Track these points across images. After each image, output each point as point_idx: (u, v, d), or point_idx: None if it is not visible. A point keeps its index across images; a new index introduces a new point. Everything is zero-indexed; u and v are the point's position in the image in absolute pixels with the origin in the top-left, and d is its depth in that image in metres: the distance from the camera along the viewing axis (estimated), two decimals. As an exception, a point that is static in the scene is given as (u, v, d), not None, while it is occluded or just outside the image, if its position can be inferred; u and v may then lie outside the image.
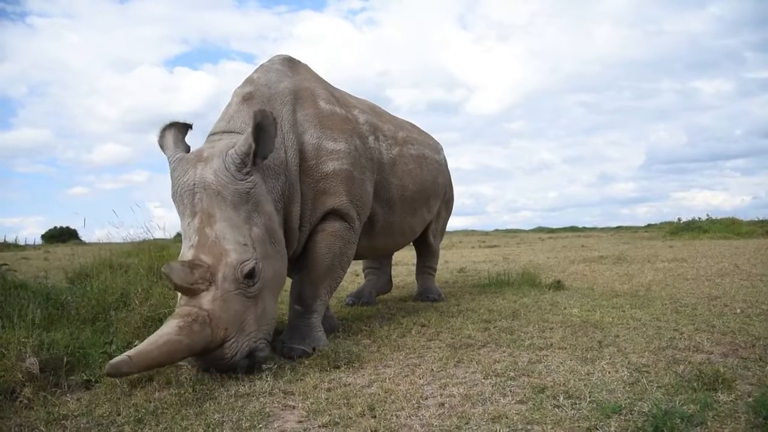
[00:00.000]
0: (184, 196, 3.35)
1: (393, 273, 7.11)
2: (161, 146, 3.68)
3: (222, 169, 3.32)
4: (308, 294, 3.98)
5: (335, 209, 4.06)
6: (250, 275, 3.21)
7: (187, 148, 3.70)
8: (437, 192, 5.72)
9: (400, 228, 5.10)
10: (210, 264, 3.12)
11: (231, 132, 3.72)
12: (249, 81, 4.14)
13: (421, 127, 6.25)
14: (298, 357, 3.64)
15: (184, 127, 3.79)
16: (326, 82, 4.74)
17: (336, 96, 4.57)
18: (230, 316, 3.11)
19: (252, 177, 3.40)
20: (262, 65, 4.38)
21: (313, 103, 4.21)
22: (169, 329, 2.93)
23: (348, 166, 4.13)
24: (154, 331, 3.91)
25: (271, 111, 3.73)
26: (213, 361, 3.15)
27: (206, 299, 3.06)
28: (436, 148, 6.04)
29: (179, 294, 3.18)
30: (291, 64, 4.50)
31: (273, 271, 3.45)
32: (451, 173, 6.46)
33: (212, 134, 3.80)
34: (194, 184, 3.32)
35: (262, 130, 3.37)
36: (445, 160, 6.24)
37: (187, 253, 3.21)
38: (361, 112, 4.69)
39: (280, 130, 3.78)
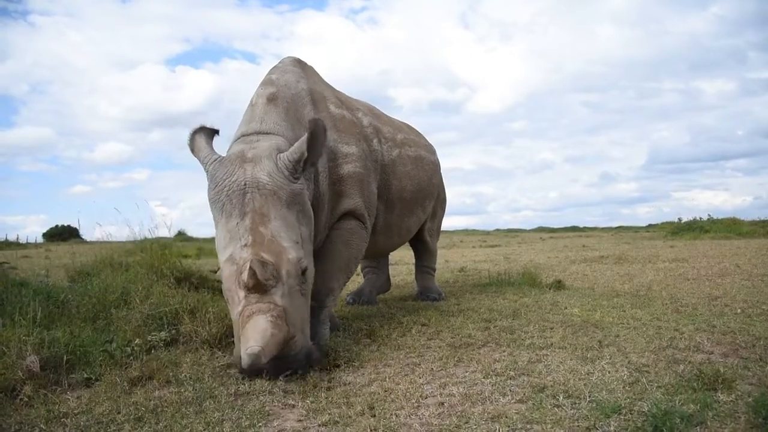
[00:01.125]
0: (233, 196, 3.30)
1: (393, 272, 7.12)
2: (192, 149, 3.65)
3: (276, 170, 3.36)
4: (322, 290, 4.00)
5: (351, 210, 4.21)
6: (305, 271, 3.29)
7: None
8: (432, 192, 5.84)
9: (398, 228, 5.20)
10: (273, 261, 3.13)
11: (267, 133, 3.72)
12: (269, 82, 4.15)
13: (423, 127, 6.32)
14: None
15: (211, 132, 3.78)
16: (329, 84, 4.83)
17: (341, 99, 4.67)
18: (297, 312, 3.19)
19: (302, 180, 3.50)
20: (276, 67, 4.45)
21: (326, 106, 4.33)
22: (265, 324, 2.95)
23: (360, 169, 4.28)
24: (155, 329, 3.95)
25: (296, 111, 3.92)
26: (278, 360, 3.07)
27: (278, 295, 3.09)
28: (431, 149, 6.20)
29: (239, 293, 3.10)
30: (301, 66, 4.57)
31: (312, 269, 3.52)
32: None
33: (246, 135, 3.74)
34: (245, 184, 3.30)
35: (314, 138, 3.43)
36: (438, 161, 6.35)
37: (241, 252, 3.15)
38: (364, 115, 4.79)
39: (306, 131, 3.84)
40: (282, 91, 4.05)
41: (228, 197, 3.32)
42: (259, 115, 3.85)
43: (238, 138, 3.76)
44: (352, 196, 4.19)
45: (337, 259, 4.15)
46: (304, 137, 3.44)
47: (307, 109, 4.12)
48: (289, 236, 3.27)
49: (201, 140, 3.66)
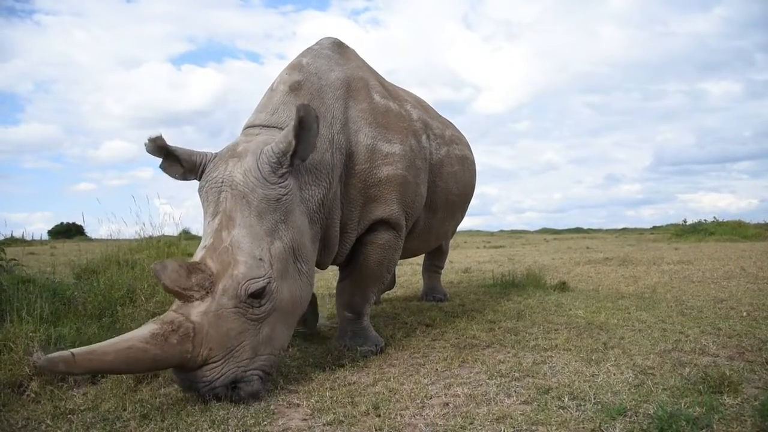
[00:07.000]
0: (210, 193, 3.02)
1: (398, 272, 7.12)
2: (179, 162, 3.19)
3: (254, 168, 2.96)
4: (358, 302, 3.89)
5: (384, 219, 3.77)
6: (258, 295, 2.79)
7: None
8: (472, 194, 5.56)
9: (437, 231, 4.83)
10: (214, 272, 2.76)
11: (274, 127, 3.35)
12: (297, 67, 3.70)
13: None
14: (364, 357, 3.64)
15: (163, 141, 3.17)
16: (375, 70, 4.32)
17: (388, 89, 4.20)
18: (220, 335, 2.70)
19: (286, 182, 3.03)
20: (310, 48, 3.95)
21: (368, 96, 3.83)
22: (140, 334, 2.58)
23: (403, 171, 3.79)
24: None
25: (320, 106, 3.45)
26: (189, 381, 2.75)
27: (197, 310, 2.68)
28: (470, 146, 5.72)
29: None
30: (341, 49, 4.06)
31: (291, 293, 3.00)
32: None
33: (251, 126, 3.42)
34: (222, 182, 2.99)
35: (305, 127, 2.98)
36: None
37: (198, 253, 2.88)
38: (413, 107, 4.33)
39: (329, 129, 3.47)
40: (309, 80, 3.60)
41: (206, 194, 3.06)
42: (273, 105, 3.46)
43: (244, 129, 3.48)
44: (388, 203, 3.72)
45: (372, 275, 3.88)
46: (291, 125, 2.99)
47: (339, 103, 3.62)
48: (250, 249, 2.83)
49: (177, 151, 3.17)
